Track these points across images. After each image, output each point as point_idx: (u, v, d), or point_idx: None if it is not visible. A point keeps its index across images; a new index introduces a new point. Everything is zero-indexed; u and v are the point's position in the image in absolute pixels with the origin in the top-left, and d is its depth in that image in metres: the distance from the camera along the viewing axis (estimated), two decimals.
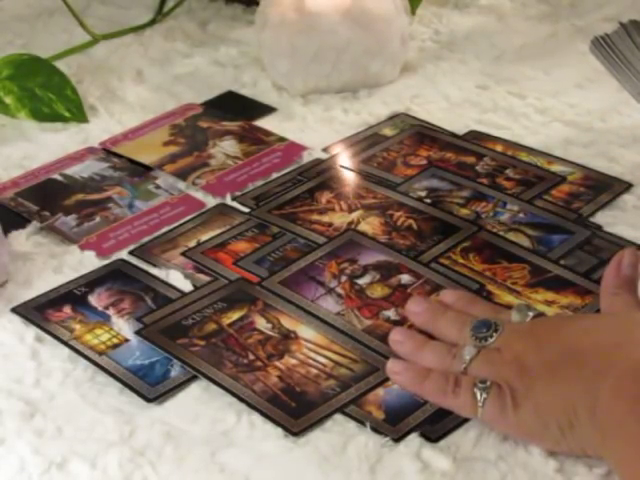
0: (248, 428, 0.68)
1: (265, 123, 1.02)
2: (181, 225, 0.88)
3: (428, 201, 0.88)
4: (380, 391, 0.70)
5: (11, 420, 0.70)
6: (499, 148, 0.95)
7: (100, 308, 0.79)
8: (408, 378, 0.68)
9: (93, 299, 0.80)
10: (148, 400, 0.70)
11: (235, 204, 0.90)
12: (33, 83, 1.05)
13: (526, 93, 1.04)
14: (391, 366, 0.69)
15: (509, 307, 0.73)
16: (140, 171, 0.95)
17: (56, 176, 0.95)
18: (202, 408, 0.70)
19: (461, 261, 0.81)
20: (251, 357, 0.73)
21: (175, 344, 0.74)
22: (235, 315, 0.76)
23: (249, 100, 1.07)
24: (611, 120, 0.98)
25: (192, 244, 0.85)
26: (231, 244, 0.84)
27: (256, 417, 0.68)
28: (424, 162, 0.94)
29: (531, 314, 0.70)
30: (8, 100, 1.04)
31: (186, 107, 1.05)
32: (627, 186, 0.89)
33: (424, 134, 0.98)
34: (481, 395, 0.65)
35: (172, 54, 1.16)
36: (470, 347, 0.67)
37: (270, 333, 0.75)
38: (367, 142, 0.98)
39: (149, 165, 0.96)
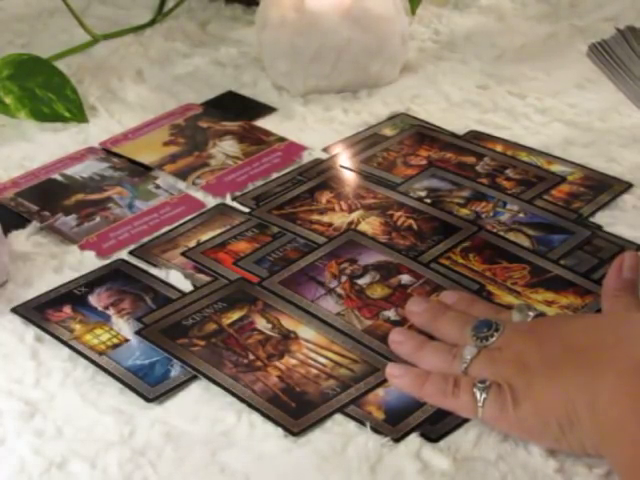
0: (248, 428, 0.68)
1: (265, 123, 1.02)
2: (181, 225, 0.88)
3: (428, 201, 0.88)
4: (380, 391, 0.70)
5: (11, 420, 0.70)
6: (499, 148, 0.95)
7: (100, 308, 0.79)
8: (407, 381, 0.68)
9: (93, 299, 0.79)
10: (148, 400, 0.70)
11: (235, 204, 0.90)
12: (33, 83, 1.05)
13: (526, 93, 1.04)
14: (390, 370, 0.69)
15: (509, 307, 0.73)
16: (140, 171, 0.95)
17: (56, 176, 0.95)
18: (202, 408, 0.70)
19: (461, 261, 0.81)
20: (251, 357, 0.73)
21: (175, 344, 0.74)
22: (235, 315, 0.76)
23: (249, 100, 1.07)
24: (611, 120, 0.98)
25: (192, 244, 0.85)
26: (231, 244, 0.84)
27: (256, 417, 0.68)
28: (424, 162, 0.94)
29: (532, 314, 0.70)
30: (8, 100, 1.04)
31: (186, 107, 1.05)
32: (627, 186, 0.89)
33: (424, 134, 0.98)
34: (481, 395, 0.65)
35: (172, 54, 1.16)
36: (471, 347, 0.68)
37: (270, 333, 0.75)
38: (367, 142, 0.98)
39: (149, 165, 0.96)
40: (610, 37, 0.89)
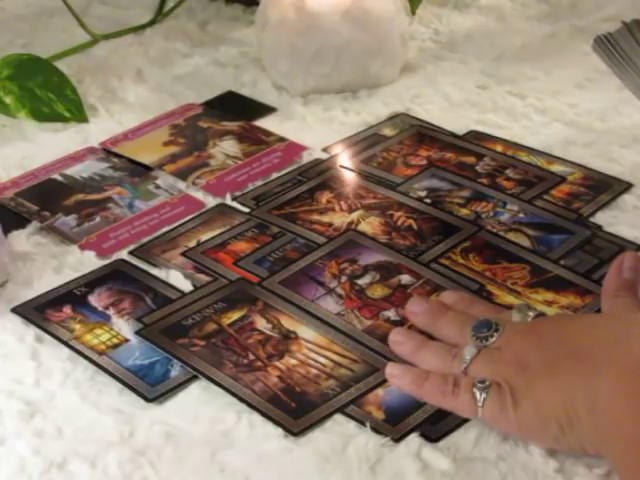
0: (248, 428, 0.68)
1: (265, 123, 1.02)
2: (181, 225, 0.88)
3: (428, 201, 0.88)
4: (380, 391, 0.70)
5: (11, 420, 0.70)
6: (499, 148, 0.95)
7: (100, 308, 0.79)
8: (407, 381, 0.68)
9: (93, 299, 0.79)
10: (148, 400, 0.70)
11: (235, 204, 0.90)
12: (33, 83, 1.05)
13: (526, 93, 1.04)
14: (390, 369, 0.69)
15: (509, 307, 0.73)
16: (140, 171, 0.95)
17: (56, 176, 0.95)
18: (202, 408, 0.70)
19: (461, 261, 0.81)
20: (251, 357, 0.73)
21: (175, 344, 0.74)
22: (235, 315, 0.76)
23: (249, 100, 1.07)
24: (611, 120, 0.98)
25: (192, 244, 0.85)
26: (231, 244, 0.84)
27: (256, 417, 0.68)
28: (424, 162, 0.94)
29: (532, 314, 0.70)
30: (8, 100, 1.04)
31: (186, 107, 1.05)
32: (627, 186, 0.89)
33: (424, 134, 0.98)
34: (480, 395, 0.65)
35: (172, 54, 1.16)
36: (471, 347, 0.67)
37: (270, 333, 0.75)
38: (367, 142, 0.98)
39: (149, 165, 0.96)
40: (615, 30, 0.88)
